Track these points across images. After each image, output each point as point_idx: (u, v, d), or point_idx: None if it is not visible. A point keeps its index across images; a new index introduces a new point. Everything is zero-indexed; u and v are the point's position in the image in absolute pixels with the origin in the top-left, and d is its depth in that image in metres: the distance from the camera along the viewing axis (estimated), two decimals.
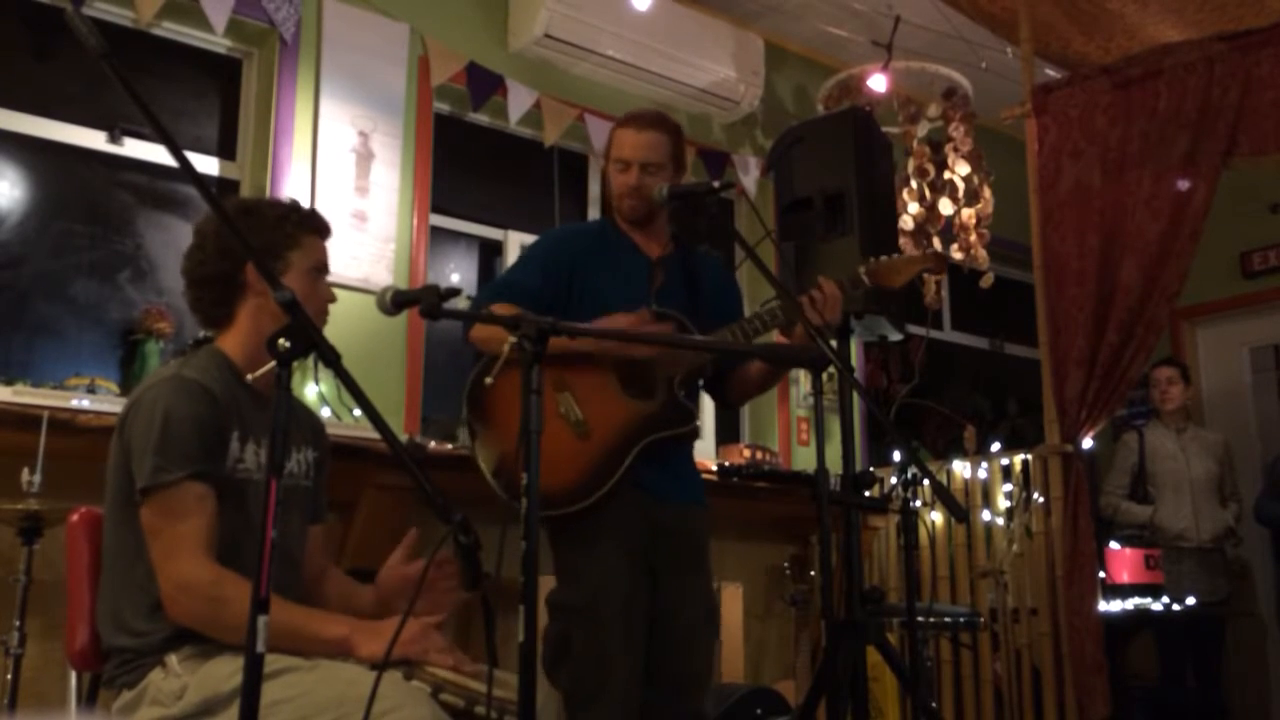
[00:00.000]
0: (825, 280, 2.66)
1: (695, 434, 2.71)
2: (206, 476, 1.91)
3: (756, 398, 3.00)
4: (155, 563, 1.87)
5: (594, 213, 5.09)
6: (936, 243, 5.27)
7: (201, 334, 2.25)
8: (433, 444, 3.43)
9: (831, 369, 2.21)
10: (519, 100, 4.63)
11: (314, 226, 2.12)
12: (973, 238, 5.27)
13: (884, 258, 2.74)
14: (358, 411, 3.22)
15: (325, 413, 3.74)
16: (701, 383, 2.85)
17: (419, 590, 1.79)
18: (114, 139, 3.94)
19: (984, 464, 4.72)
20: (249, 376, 2.00)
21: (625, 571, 2.52)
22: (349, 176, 4.21)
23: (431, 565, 1.86)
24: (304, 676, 1.80)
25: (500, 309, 2.52)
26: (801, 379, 5.34)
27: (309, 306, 1.75)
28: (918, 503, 4.44)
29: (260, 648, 1.37)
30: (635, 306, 2.64)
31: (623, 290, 2.68)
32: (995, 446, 4.86)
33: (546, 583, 2.54)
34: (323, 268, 2.13)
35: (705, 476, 4.01)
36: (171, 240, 4.05)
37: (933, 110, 5.31)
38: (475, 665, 1.87)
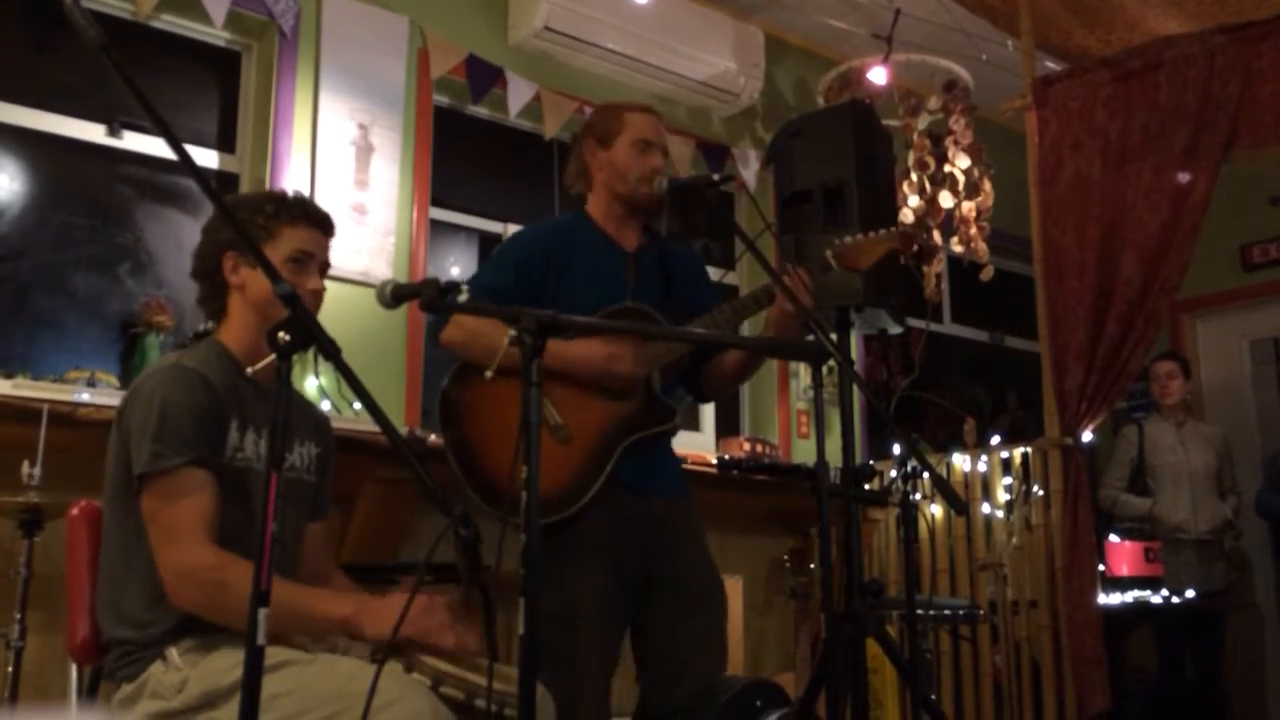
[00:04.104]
0: (794, 267, 2.65)
1: (676, 430, 2.68)
2: (206, 463, 1.91)
3: (736, 388, 2.98)
4: (155, 549, 1.87)
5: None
6: (936, 235, 5.27)
7: (202, 326, 2.26)
8: (432, 437, 3.42)
9: (831, 362, 2.20)
10: (519, 93, 4.63)
11: (291, 217, 2.08)
12: (973, 230, 5.27)
13: (849, 239, 2.71)
14: (358, 405, 3.22)
15: (325, 406, 3.74)
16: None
17: (418, 580, 1.78)
18: (113, 132, 3.94)
19: (984, 457, 4.72)
20: (249, 370, 2.00)
21: (602, 581, 2.49)
22: (348, 170, 4.21)
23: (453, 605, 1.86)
24: (304, 669, 1.80)
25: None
26: (802, 372, 5.33)
27: None
28: (917, 496, 4.44)
29: (261, 640, 1.37)
30: (613, 303, 2.62)
31: (600, 286, 2.64)
32: (995, 439, 4.86)
33: None
34: (302, 257, 2.08)
35: (705, 470, 4.03)
36: (171, 233, 4.05)
37: (933, 103, 5.29)
38: (477, 641, 1.86)
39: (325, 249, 2.15)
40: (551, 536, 2.46)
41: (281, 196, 2.12)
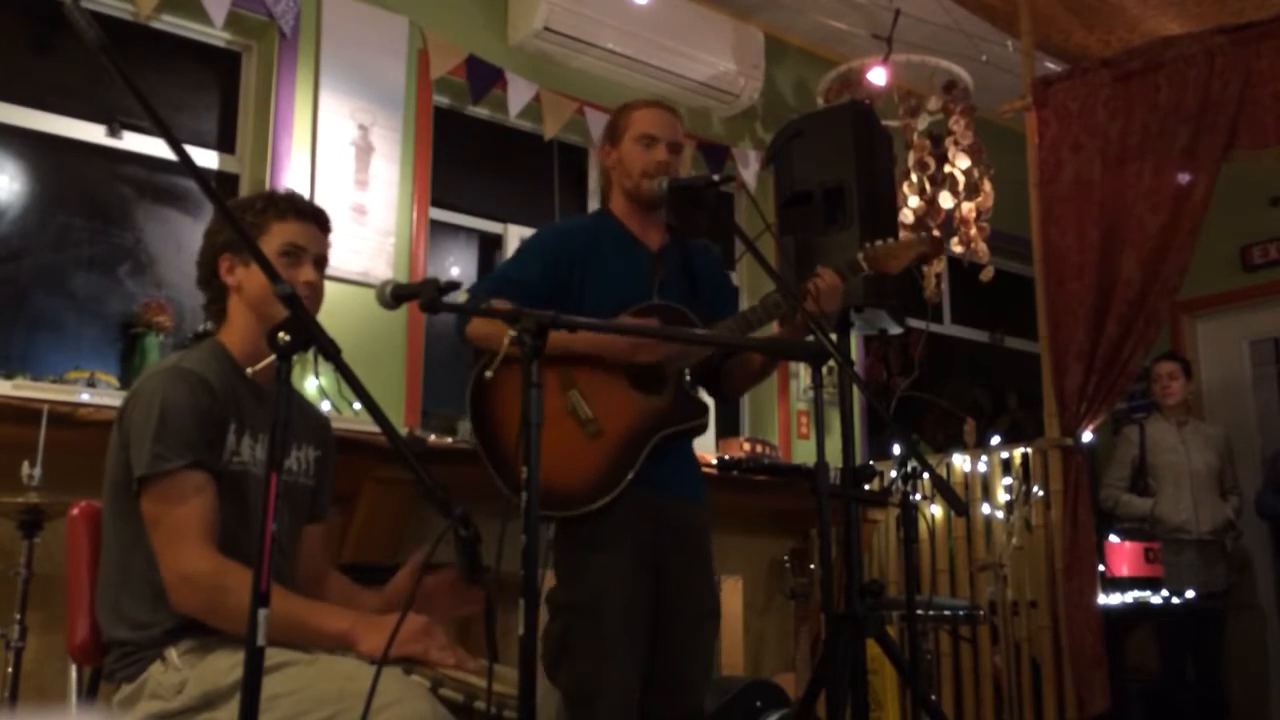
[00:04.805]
0: (824, 269, 2.65)
1: (705, 427, 2.69)
2: (205, 466, 1.91)
3: (752, 389, 3.00)
4: (157, 552, 1.88)
5: (594, 206, 5.09)
6: (936, 236, 5.26)
7: (202, 326, 2.27)
8: (432, 437, 3.43)
9: (832, 362, 2.21)
10: (518, 93, 4.63)
11: (280, 211, 2.08)
12: (973, 231, 5.27)
13: (880, 243, 2.73)
14: (358, 405, 3.22)
15: (325, 406, 3.74)
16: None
17: (416, 588, 1.78)
18: (113, 132, 3.94)
19: (984, 457, 4.72)
20: (249, 370, 2.00)
21: (629, 572, 2.51)
22: (348, 170, 4.21)
23: (435, 579, 1.85)
24: (303, 670, 1.80)
25: (498, 305, 2.50)
26: (802, 372, 5.33)
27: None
28: (917, 496, 4.44)
29: (261, 641, 1.37)
30: (638, 301, 2.63)
31: (626, 284, 2.65)
32: (995, 440, 4.86)
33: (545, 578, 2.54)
34: (293, 250, 2.07)
35: (705, 470, 4.03)
36: (171, 234, 4.05)
37: (933, 103, 5.30)
38: (476, 661, 1.87)
39: (319, 243, 2.13)
40: (575, 527, 2.49)
41: (270, 193, 2.13)
